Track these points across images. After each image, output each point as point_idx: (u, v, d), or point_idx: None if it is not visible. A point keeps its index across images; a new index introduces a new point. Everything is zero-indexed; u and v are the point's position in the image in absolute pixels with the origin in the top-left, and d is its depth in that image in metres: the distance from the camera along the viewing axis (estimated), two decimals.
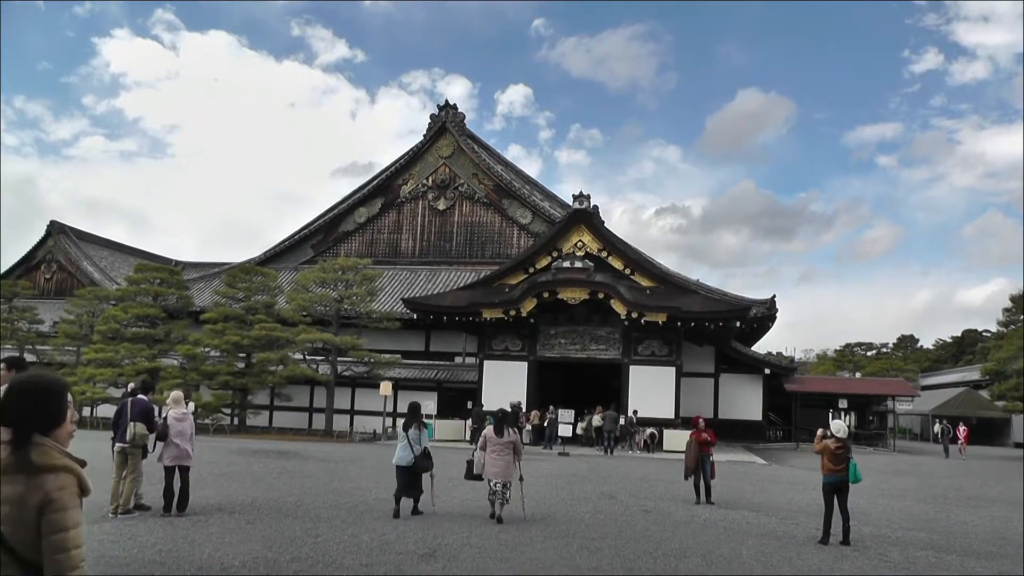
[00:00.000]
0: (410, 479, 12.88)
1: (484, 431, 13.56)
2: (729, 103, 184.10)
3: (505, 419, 13.44)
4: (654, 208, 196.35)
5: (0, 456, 2.67)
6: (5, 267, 53.88)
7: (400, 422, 38.69)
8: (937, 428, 46.97)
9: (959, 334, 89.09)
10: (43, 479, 2.63)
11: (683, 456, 16.87)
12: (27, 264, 54.12)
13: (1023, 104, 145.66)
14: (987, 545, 12.03)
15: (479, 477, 13.26)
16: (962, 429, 38.96)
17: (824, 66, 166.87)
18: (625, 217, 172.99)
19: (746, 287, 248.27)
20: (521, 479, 13.07)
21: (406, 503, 12.79)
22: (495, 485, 12.72)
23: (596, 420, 31.69)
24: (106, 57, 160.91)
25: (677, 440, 28.44)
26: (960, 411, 54.36)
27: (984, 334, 77.58)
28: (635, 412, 32.01)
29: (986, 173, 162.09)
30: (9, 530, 2.58)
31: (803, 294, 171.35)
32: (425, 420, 14.07)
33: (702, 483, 15.83)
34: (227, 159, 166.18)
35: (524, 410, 32.07)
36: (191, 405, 26.06)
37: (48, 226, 54.66)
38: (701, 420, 16.61)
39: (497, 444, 12.93)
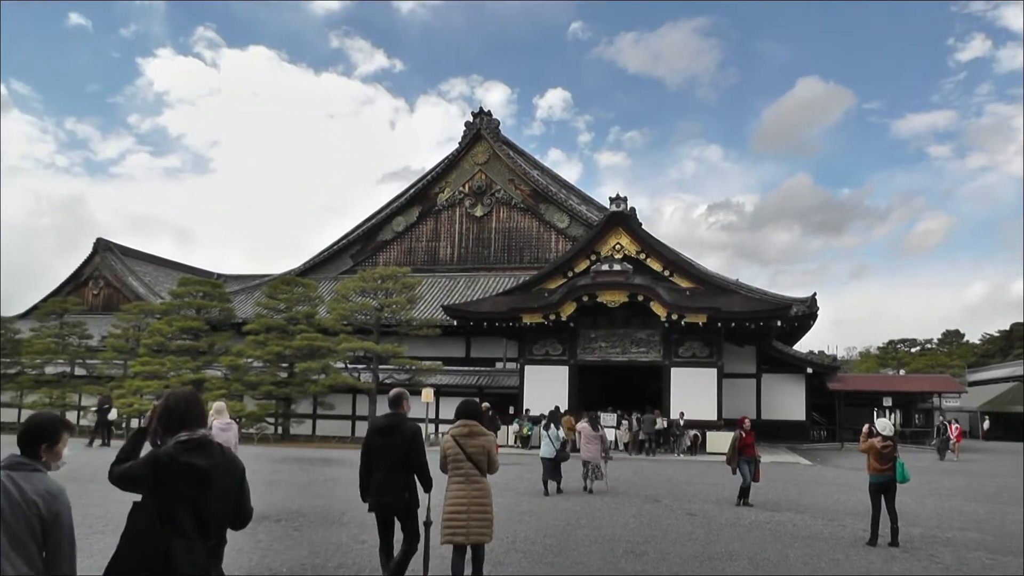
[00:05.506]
0: (552, 467, 17.07)
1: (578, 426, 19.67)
2: (786, 93, 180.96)
3: (594, 420, 18.41)
4: (706, 205, 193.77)
5: (465, 429, 7.08)
6: (56, 285, 55.19)
7: (444, 428, 38.98)
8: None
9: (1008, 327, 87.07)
10: (486, 437, 7.06)
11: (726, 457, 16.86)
12: (76, 281, 55.36)
13: None
14: None
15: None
16: (954, 427, 34.99)
17: (870, 57, 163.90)
18: (676, 216, 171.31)
19: (795, 285, 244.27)
20: (606, 461, 17.97)
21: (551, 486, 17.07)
22: (586, 465, 17.56)
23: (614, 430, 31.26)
24: (150, 76, 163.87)
25: (720, 442, 28.21)
26: (1010, 407, 53.50)
27: None
28: (681, 414, 31.81)
29: None
30: (475, 457, 6.94)
31: (852, 291, 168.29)
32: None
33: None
34: (269, 172, 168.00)
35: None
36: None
37: (95, 244, 55.92)
38: (747, 421, 16.44)
39: (587, 436, 17.82)
